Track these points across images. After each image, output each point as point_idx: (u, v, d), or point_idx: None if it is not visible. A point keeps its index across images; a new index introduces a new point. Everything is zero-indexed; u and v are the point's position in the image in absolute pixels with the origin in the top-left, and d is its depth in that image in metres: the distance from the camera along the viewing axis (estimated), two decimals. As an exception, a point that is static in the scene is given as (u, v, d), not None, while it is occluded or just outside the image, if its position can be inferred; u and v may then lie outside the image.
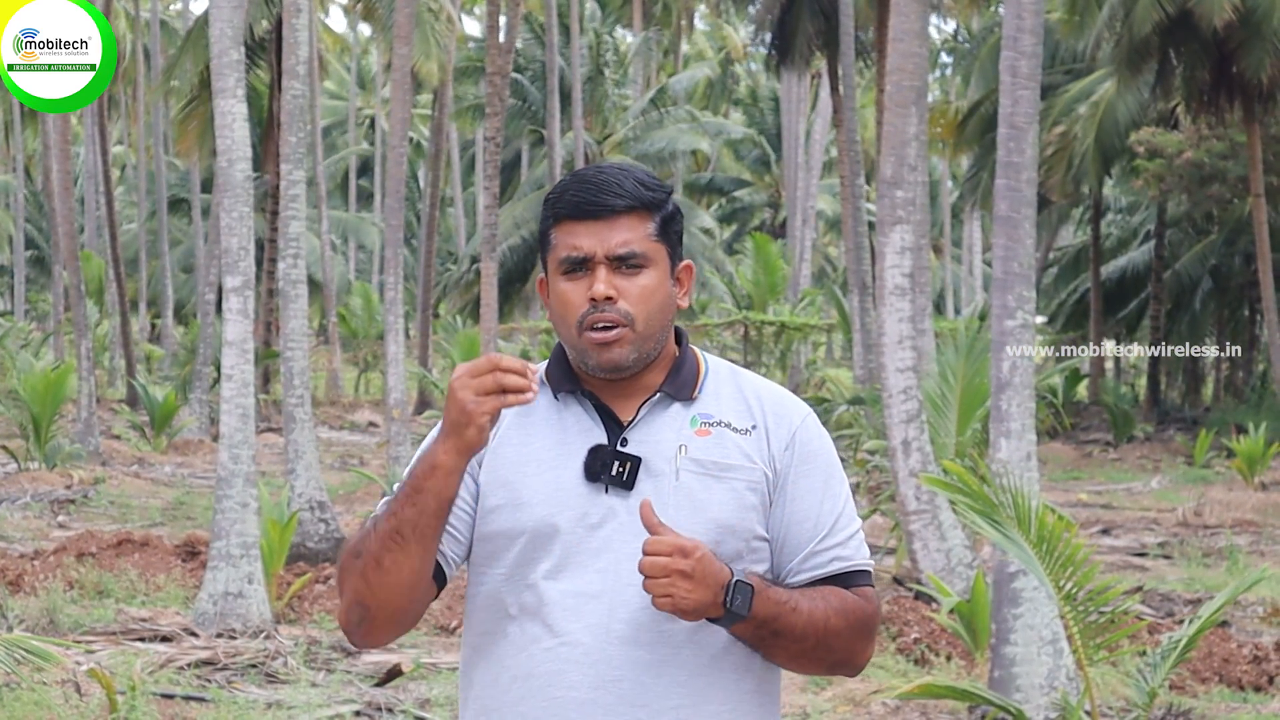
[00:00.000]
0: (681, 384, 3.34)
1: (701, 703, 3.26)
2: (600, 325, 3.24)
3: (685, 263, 3.38)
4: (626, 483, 3.26)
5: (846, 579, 3.34)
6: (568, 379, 3.34)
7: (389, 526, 3.19)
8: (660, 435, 3.30)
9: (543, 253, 3.35)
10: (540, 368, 3.39)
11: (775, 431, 3.34)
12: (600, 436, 3.30)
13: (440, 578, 3.32)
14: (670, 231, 3.33)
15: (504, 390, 3.09)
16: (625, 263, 3.26)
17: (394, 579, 3.21)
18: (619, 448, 3.29)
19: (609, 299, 3.24)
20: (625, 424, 3.31)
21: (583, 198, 3.26)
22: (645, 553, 3.12)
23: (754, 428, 3.34)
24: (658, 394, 3.33)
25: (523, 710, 3.27)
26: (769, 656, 3.30)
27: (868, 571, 3.38)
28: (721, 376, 3.40)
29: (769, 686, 3.37)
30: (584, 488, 3.27)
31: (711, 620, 3.19)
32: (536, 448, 3.31)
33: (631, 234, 3.27)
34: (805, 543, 3.32)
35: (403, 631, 3.35)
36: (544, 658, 3.25)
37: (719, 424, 3.33)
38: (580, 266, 3.27)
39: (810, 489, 3.34)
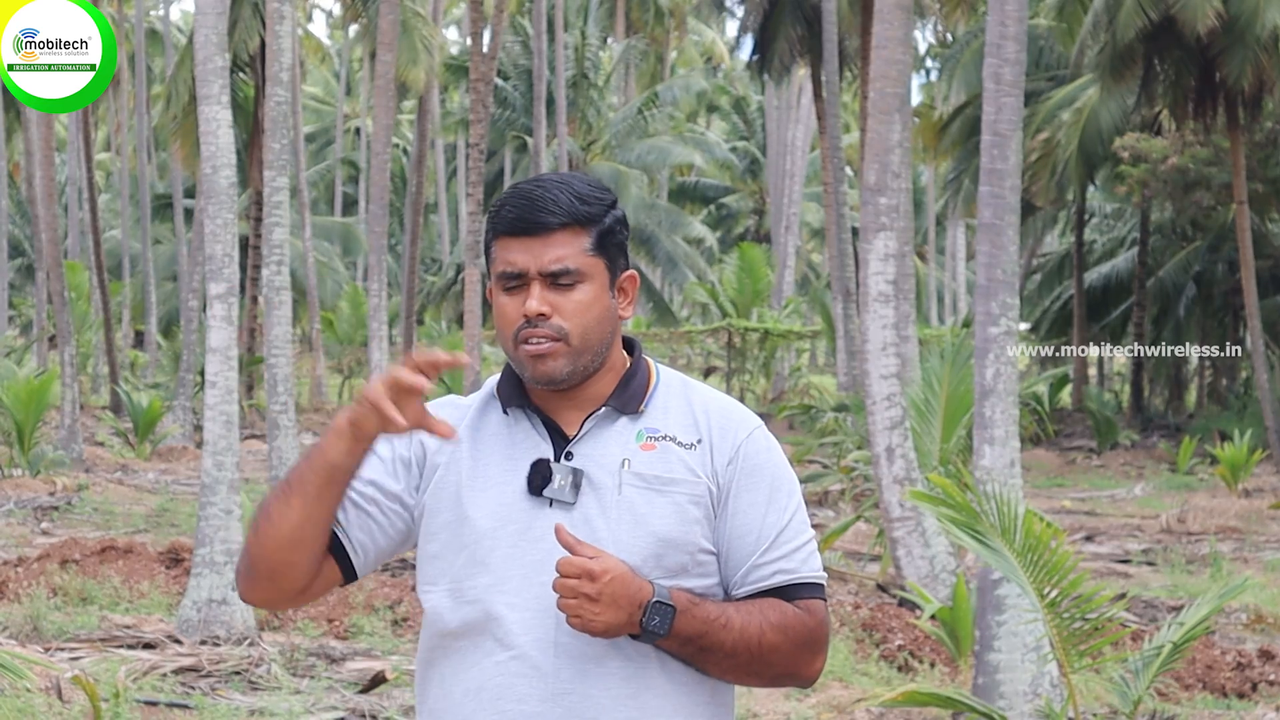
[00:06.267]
0: (629, 397, 3.35)
1: (651, 714, 3.26)
2: (533, 340, 3.26)
3: (628, 273, 3.39)
4: (568, 497, 3.27)
5: (790, 591, 3.32)
6: (517, 394, 3.36)
7: (282, 480, 3.28)
8: (605, 449, 3.31)
9: (486, 264, 3.37)
10: (491, 382, 3.43)
11: (719, 445, 3.33)
12: (547, 450, 3.31)
13: (343, 559, 3.35)
14: (609, 245, 3.33)
15: (399, 388, 3.13)
16: (558, 279, 3.27)
17: (275, 529, 3.26)
18: (563, 461, 3.30)
19: (542, 315, 3.26)
20: (570, 438, 3.32)
21: (517, 214, 3.28)
22: (558, 572, 3.14)
23: (699, 442, 3.33)
24: (603, 408, 3.33)
25: None
26: (702, 670, 3.30)
27: (816, 584, 3.35)
28: (672, 389, 3.40)
29: (722, 698, 3.38)
30: (527, 502, 3.28)
31: (633, 637, 3.20)
32: (485, 463, 3.33)
33: (566, 250, 3.27)
34: (747, 556, 3.32)
35: (281, 595, 3.35)
36: (494, 671, 3.26)
37: (664, 438, 3.33)
38: (516, 281, 3.28)
39: (753, 503, 3.33)
